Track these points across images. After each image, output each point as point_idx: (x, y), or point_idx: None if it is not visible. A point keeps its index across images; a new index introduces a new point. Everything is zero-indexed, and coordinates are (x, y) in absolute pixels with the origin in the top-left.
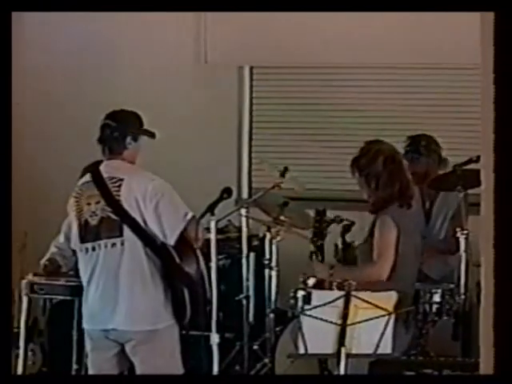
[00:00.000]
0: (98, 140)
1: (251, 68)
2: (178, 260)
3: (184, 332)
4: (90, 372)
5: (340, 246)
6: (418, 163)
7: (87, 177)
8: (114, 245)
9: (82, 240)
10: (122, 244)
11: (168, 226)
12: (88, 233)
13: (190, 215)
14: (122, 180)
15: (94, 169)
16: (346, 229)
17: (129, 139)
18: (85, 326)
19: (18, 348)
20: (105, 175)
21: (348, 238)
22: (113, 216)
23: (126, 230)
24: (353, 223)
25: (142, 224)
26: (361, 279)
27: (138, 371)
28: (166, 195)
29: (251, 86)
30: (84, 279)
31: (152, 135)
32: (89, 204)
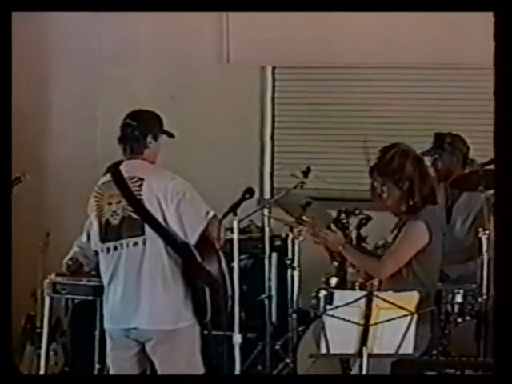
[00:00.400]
0: (118, 140)
1: (273, 68)
2: (199, 259)
3: (206, 332)
4: (111, 371)
5: (354, 238)
6: (440, 160)
7: (107, 176)
8: (135, 244)
9: (103, 240)
10: (144, 243)
11: (189, 226)
12: (109, 232)
13: (211, 214)
14: (142, 179)
15: (114, 169)
16: (363, 223)
17: (149, 138)
18: (106, 325)
19: (40, 348)
20: (125, 175)
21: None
22: (134, 215)
23: (148, 229)
24: (370, 218)
25: (163, 223)
26: (362, 268)
27: (158, 370)
28: (187, 194)
29: (273, 86)
30: (105, 279)
31: (171, 135)
32: (110, 204)
